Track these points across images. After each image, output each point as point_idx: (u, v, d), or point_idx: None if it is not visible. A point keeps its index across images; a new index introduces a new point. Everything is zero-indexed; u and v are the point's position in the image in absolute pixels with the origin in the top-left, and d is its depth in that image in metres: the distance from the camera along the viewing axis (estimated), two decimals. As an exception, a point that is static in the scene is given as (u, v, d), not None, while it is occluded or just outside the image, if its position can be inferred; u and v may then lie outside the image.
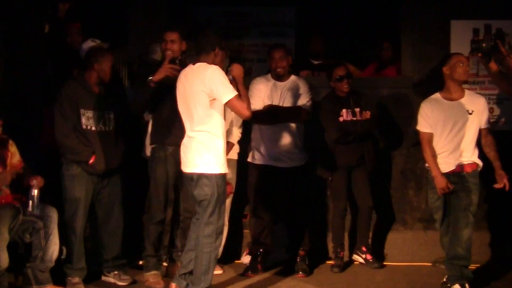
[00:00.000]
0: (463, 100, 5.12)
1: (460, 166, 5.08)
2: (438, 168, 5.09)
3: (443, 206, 5.17)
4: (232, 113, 5.71)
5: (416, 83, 6.15)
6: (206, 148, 4.61)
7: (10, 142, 5.16)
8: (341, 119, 5.74)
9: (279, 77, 5.71)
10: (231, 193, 5.73)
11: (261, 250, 5.75)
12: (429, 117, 5.17)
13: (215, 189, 4.61)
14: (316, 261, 5.93)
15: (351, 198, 5.91)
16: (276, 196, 5.79)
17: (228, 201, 5.78)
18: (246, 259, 5.91)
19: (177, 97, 4.76)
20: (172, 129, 5.14)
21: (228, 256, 5.93)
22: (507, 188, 5.06)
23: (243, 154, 5.89)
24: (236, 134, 5.78)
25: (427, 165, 5.21)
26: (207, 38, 4.73)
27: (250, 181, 5.84)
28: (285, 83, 5.72)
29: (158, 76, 5.06)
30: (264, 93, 5.69)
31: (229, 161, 5.65)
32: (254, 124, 5.76)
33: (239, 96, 4.57)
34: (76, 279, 5.22)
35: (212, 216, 4.62)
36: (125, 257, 5.49)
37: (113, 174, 5.33)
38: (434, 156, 5.13)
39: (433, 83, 6.09)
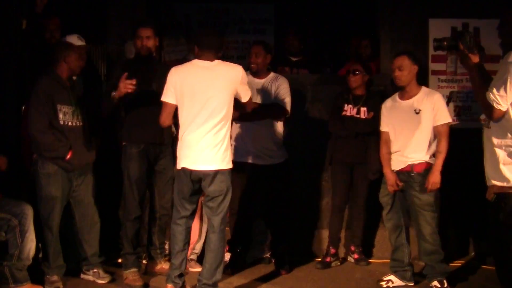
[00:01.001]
0: (413, 99, 5.15)
1: (410, 166, 5.12)
2: (388, 165, 5.20)
3: (391, 203, 5.25)
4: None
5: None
6: (223, 144, 4.67)
7: None
8: (343, 113, 5.79)
9: (254, 74, 5.69)
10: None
11: (241, 247, 5.74)
12: (385, 117, 5.28)
13: (229, 184, 4.75)
14: (297, 258, 5.93)
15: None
16: (255, 194, 5.77)
17: (208, 199, 5.78)
18: (226, 256, 5.88)
19: (182, 93, 4.68)
20: (144, 126, 5.11)
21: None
22: (428, 190, 5.08)
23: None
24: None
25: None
26: (215, 36, 4.81)
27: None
28: (263, 80, 5.70)
29: (119, 93, 5.02)
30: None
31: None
32: (232, 122, 5.74)
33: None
34: (55, 277, 5.17)
35: (223, 212, 4.73)
36: (104, 255, 5.46)
37: (88, 170, 5.29)
38: (387, 153, 5.23)
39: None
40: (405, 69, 5.12)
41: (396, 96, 5.30)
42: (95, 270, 5.35)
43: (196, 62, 4.75)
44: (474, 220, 6.09)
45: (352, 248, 5.95)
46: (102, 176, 5.64)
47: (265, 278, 5.51)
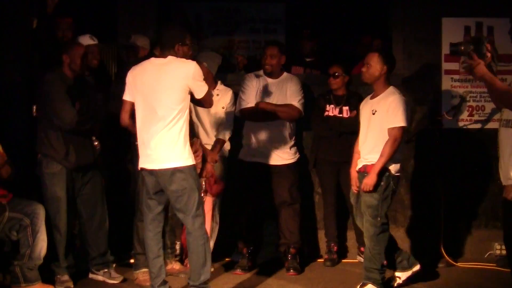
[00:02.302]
0: (374, 100, 5.05)
1: (364, 166, 5.02)
2: (353, 165, 5.13)
3: (355, 203, 5.17)
4: (223, 110, 5.71)
5: (406, 80, 6.14)
6: (178, 141, 4.52)
7: None
8: (326, 113, 5.78)
9: (268, 74, 5.67)
10: (222, 191, 5.69)
11: (251, 247, 5.72)
12: (360, 116, 5.19)
13: (193, 182, 4.55)
14: (307, 259, 5.91)
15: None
16: (266, 193, 5.74)
17: (219, 199, 5.75)
18: (236, 257, 5.88)
19: (136, 90, 4.59)
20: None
21: (218, 254, 5.87)
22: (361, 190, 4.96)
23: (233, 151, 5.85)
24: (227, 131, 5.73)
25: None
26: (169, 32, 4.64)
27: (240, 178, 5.81)
28: (277, 80, 5.69)
29: None
30: (256, 90, 5.66)
31: (219, 158, 5.66)
32: (245, 121, 5.72)
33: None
34: (65, 277, 5.17)
35: (199, 209, 4.56)
36: (115, 255, 5.45)
37: (92, 169, 5.26)
38: (356, 153, 5.14)
39: (424, 80, 6.15)
40: (372, 66, 5.00)
41: (370, 95, 5.19)
42: (105, 270, 5.34)
43: (152, 59, 4.67)
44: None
45: (362, 249, 5.90)
46: (114, 176, 5.64)
47: (276, 279, 5.49)
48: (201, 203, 4.63)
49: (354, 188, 5.11)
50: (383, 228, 4.98)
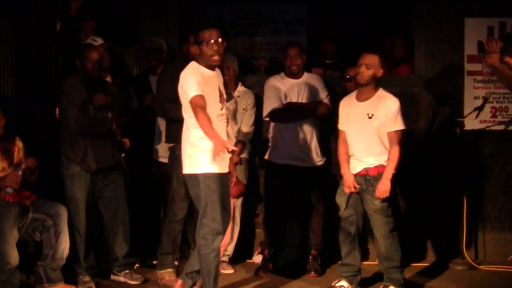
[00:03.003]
0: (367, 103, 4.97)
1: (366, 169, 4.98)
2: (346, 166, 5.04)
3: (345, 204, 5.10)
4: (244, 111, 5.72)
5: (429, 81, 6.09)
6: (186, 147, 4.52)
7: (17, 138, 5.15)
8: None
9: (293, 75, 5.66)
10: (243, 192, 5.70)
11: (272, 249, 5.72)
12: (343, 116, 5.10)
13: (201, 192, 4.48)
14: (328, 261, 5.89)
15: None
16: (290, 195, 5.74)
17: (240, 200, 5.77)
18: (257, 258, 5.88)
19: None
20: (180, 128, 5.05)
21: (240, 256, 5.91)
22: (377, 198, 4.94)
23: (253, 153, 5.85)
24: (247, 132, 5.75)
25: None
26: None
27: (267, 180, 5.81)
28: (300, 80, 5.68)
29: None
30: (280, 92, 5.64)
31: (240, 160, 5.67)
32: (272, 123, 5.71)
33: None
34: (87, 278, 5.22)
35: (205, 218, 4.47)
36: (137, 256, 5.49)
37: (113, 172, 5.28)
38: (346, 154, 5.07)
39: (446, 81, 6.09)
40: (372, 68, 4.93)
41: (353, 95, 5.11)
42: (126, 271, 5.36)
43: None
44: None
45: None
46: (135, 178, 5.67)
47: (297, 280, 5.48)
48: (206, 215, 4.46)
49: (351, 189, 5.02)
50: (394, 224, 5.01)
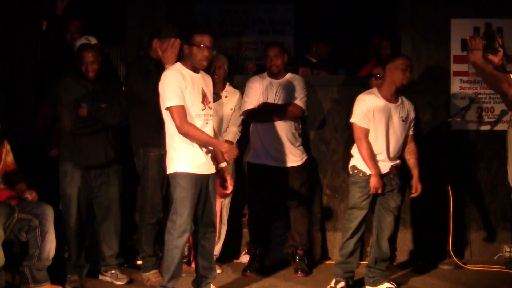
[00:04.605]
0: (397, 105, 5.06)
1: (391, 169, 5.07)
2: (377, 167, 5.00)
3: (367, 206, 5.08)
4: (231, 111, 5.72)
5: (415, 82, 6.12)
6: (170, 148, 4.59)
7: (5, 141, 5.14)
8: None
9: (274, 75, 5.67)
10: (230, 192, 5.70)
11: (259, 249, 5.72)
12: (368, 114, 5.01)
13: (175, 191, 4.55)
14: (315, 260, 5.89)
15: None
16: (274, 195, 5.75)
17: (227, 200, 5.78)
18: (244, 258, 5.88)
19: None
20: (160, 131, 5.04)
21: (227, 256, 5.91)
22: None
23: (241, 153, 5.85)
24: (235, 133, 5.75)
25: (354, 164, 5.09)
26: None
27: (248, 180, 5.82)
28: (280, 81, 5.69)
29: None
30: (259, 91, 5.66)
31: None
32: (251, 123, 5.73)
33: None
34: (75, 277, 5.21)
35: (174, 214, 4.53)
36: (123, 256, 5.46)
37: (109, 172, 5.28)
38: (373, 154, 5.02)
39: (433, 81, 6.12)
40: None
41: (377, 94, 5.06)
42: (113, 271, 5.36)
43: None
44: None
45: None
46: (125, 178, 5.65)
47: (284, 280, 5.48)
48: (175, 211, 4.52)
49: (377, 191, 5.00)
50: None
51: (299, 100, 5.61)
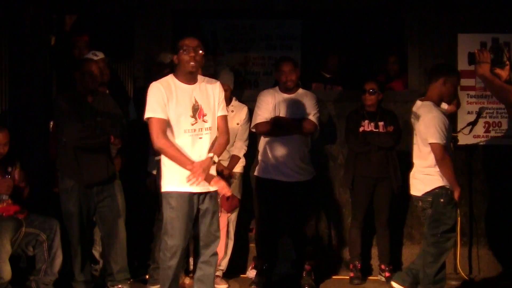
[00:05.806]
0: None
1: None
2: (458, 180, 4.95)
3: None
4: (238, 126, 5.73)
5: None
6: (162, 165, 4.47)
7: (17, 163, 5.21)
8: (361, 129, 5.78)
9: (287, 90, 5.67)
10: (237, 207, 5.70)
11: (266, 264, 5.70)
12: (446, 130, 4.85)
13: (165, 210, 4.43)
14: (322, 276, 5.87)
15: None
16: (282, 210, 5.74)
17: (234, 215, 5.77)
18: (251, 273, 5.86)
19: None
20: None
21: (234, 270, 5.89)
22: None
23: (249, 167, 5.85)
24: (242, 147, 5.75)
25: (443, 184, 4.86)
26: None
27: (256, 195, 5.80)
28: (292, 96, 5.67)
29: None
30: (271, 105, 5.64)
31: (234, 175, 5.67)
32: (261, 137, 5.72)
33: None
34: (80, 292, 5.20)
35: (165, 235, 4.39)
36: (130, 271, 5.46)
37: (111, 187, 5.25)
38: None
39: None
40: None
41: (443, 110, 4.97)
42: (119, 286, 5.33)
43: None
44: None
45: (382, 266, 5.86)
46: (130, 191, 5.66)
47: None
48: (166, 232, 4.37)
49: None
50: None
51: (313, 116, 5.60)
